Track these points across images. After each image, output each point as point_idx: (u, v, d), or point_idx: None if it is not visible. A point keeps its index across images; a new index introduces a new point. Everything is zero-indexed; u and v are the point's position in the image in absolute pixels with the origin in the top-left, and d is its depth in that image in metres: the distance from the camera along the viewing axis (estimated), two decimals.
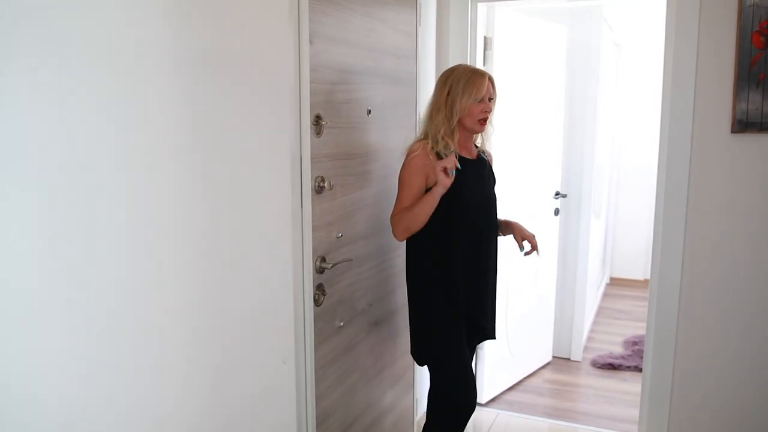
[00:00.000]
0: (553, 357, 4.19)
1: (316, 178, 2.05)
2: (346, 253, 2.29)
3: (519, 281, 3.67)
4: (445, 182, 2.19)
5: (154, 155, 1.22)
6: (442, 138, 2.30)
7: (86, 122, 1.07)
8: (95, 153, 1.09)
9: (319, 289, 2.12)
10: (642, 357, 4.07)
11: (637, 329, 4.74)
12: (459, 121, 2.33)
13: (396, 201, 2.33)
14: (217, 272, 1.43)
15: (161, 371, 1.28)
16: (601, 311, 5.18)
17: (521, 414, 3.48)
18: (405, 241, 2.41)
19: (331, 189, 2.11)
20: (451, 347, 2.39)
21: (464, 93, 2.30)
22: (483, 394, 3.52)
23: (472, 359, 2.54)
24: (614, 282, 6.09)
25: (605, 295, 5.67)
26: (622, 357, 4.18)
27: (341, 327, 2.30)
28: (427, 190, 2.28)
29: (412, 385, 3.03)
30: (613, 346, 4.42)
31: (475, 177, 2.42)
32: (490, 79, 2.37)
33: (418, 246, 2.39)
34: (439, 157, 2.27)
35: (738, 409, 2.85)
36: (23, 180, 0.97)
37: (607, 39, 4.30)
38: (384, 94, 2.54)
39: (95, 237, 1.09)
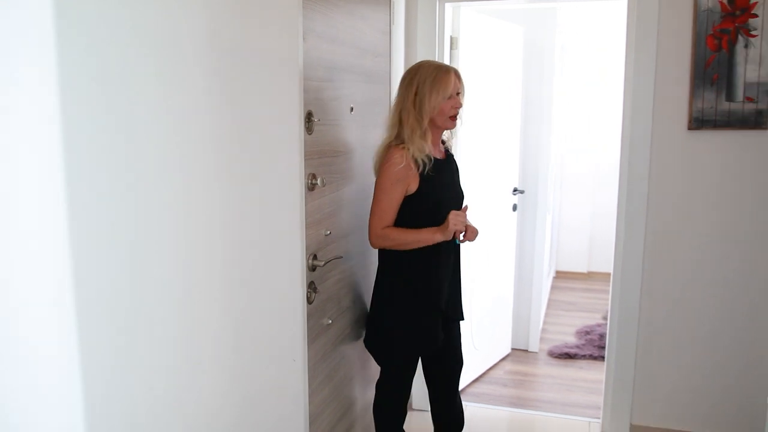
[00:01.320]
0: (512, 349, 4.31)
1: (309, 175, 2.05)
2: (334, 251, 2.30)
3: (483, 278, 3.75)
4: (451, 233, 2.25)
5: (181, 151, 1.20)
6: (418, 140, 2.25)
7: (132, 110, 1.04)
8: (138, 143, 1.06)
9: (311, 286, 2.12)
10: (595, 346, 4.27)
11: (586, 320, 4.93)
12: (430, 120, 2.29)
13: (375, 207, 2.30)
14: (228, 271, 1.41)
15: (187, 369, 1.25)
16: (551, 303, 5.35)
17: (488, 405, 3.56)
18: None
19: (323, 186, 2.12)
20: (411, 354, 2.46)
21: (432, 92, 2.25)
22: None
23: (456, 341, 2.58)
24: (559, 275, 6.30)
25: (553, 287, 5.86)
26: (577, 346, 4.34)
27: (329, 324, 2.30)
28: (408, 196, 2.27)
29: None
30: (567, 337, 4.58)
31: (448, 176, 2.45)
32: (456, 74, 2.33)
33: (394, 251, 2.36)
34: (421, 163, 2.25)
35: (699, 394, 3.03)
36: (65, 176, 0.94)
37: (561, 41, 4.45)
38: (364, 92, 2.56)
39: (106, 234, 1.06)
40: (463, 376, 3.66)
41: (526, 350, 4.33)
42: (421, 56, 3.17)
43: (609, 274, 5.70)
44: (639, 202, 2.97)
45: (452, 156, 2.55)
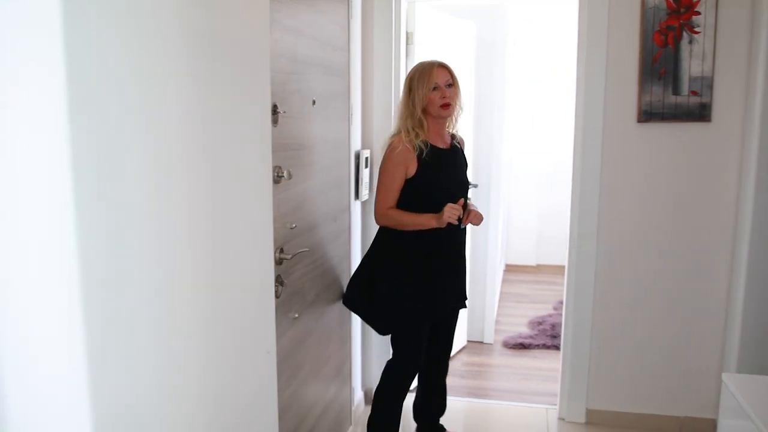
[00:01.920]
0: (468, 341, 4.37)
1: (275, 168, 2.03)
2: (299, 244, 2.28)
3: None
4: (445, 222, 2.47)
5: (159, 144, 1.16)
6: (413, 129, 2.53)
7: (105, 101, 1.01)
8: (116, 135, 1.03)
9: (278, 280, 2.10)
10: (548, 335, 4.37)
11: (538, 310, 5.04)
12: (424, 111, 2.54)
13: (379, 188, 2.59)
14: (200, 265, 1.37)
15: (162, 365, 1.22)
16: (503, 296, 5.45)
17: (448, 397, 3.59)
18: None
19: (290, 178, 2.10)
20: (415, 325, 2.64)
21: (419, 85, 2.53)
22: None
23: (455, 327, 2.91)
24: (509, 268, 6.43)
25: (503, 281, 5.97)
26: (530, 337, 4.44)
27: (296, 319, 2.29)
28: (408, 179, 2.53)
29: (349, 376, 3.06)
30: (520, 327, 4.67)
31: (449, 166, 2.65)
32: (444, 67, 2.58)
33: (396, 232, 2.60)
34: (418, 149, 2.51)
35: (652, 376, 3.15)
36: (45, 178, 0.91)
37: (511, 38, 4.53)
38: (325, 86, 2.55)
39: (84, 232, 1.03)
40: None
41: (482, 342, 4.40)
42: (377, 51, 3.19)
43: (558, 267, 5.92)
44: (592, 194, 3.06)
45: (459, 149, 2.74)
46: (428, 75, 2.52)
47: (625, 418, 3.17)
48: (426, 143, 2.54)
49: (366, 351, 3.41)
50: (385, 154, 2.58)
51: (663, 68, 2.93)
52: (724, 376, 2.03)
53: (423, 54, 3.43)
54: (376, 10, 3.15)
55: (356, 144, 3.10)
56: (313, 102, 2.41)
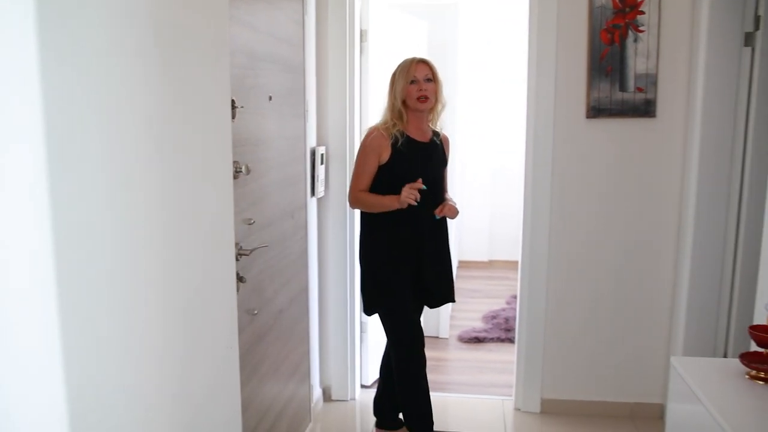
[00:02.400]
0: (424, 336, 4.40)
1: (233, 163, 2.02)
2: (257, 240, 2.27)
3: None
4: (404, 203, 2.56)
5: (116, 137, 1.15)
6: (392, 120, 2.69)
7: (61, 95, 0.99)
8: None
9: (237, 276, 2.08)
10: (502, 329, 4.45)
11: (491, 305, 5.13)
12: (404, 103, 2.68)
13: (354, 172, 2.75)
14: (162, 261, 1.35)
15: (125, 361, 1.21)
16: (457, 291, 5.51)
17: None
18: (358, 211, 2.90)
19: (248, 174, 2.09)
20: (392, 296, 2.76)
21: (399, 78, 2.70)
22: (368, 376, 3.63)
23: (420, 315, 2.95)
24: (462, 265, 6.50)
25: (457, 277, 6.03)
26: (485, 330, 4.51)
27: (255, 315, 2.28)
28: (381, 166, 2.67)
29: (308, 373, 3.05)
30: (474, 322, 4.74)
31: (424, 159, 2.74)
32: (424, 62, 2.73)
33: (372, 218, 2.75)
34: (393, 137, 2.65)
35: (604, 364, 3.25)
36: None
37: (463, 36, 4.59)
38: (281, 82, 2.55)
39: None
40: (379, 362, 3.73)
41: (437, 337, 4.45)
42: (332, 48, 3.19)
43: (510, 262, 6.03)
44: (544, 189, 3.14)
45: (438, 145, 2.83)
46: (406, 68, 2.68)
47: (579, 406, 3.26)
48: (402, 133, 2.67)
49: (324, 349, 3.41)
50: (362, 141, 2.75)
51: (610, 66, 3.02)
52: (672, 359, 2.11)
53: (377, 52, 3.45)
54: (330, 8, 3.15)
55: (312, 141, 3.10)
56: (270, 98, 2.41)
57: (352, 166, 3.28)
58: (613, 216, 3.12)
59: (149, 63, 1.24)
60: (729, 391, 1.87)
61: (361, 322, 3.53)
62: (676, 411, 2.11)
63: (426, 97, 2.67)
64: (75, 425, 1.03)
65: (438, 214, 2.73)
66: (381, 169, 2.69)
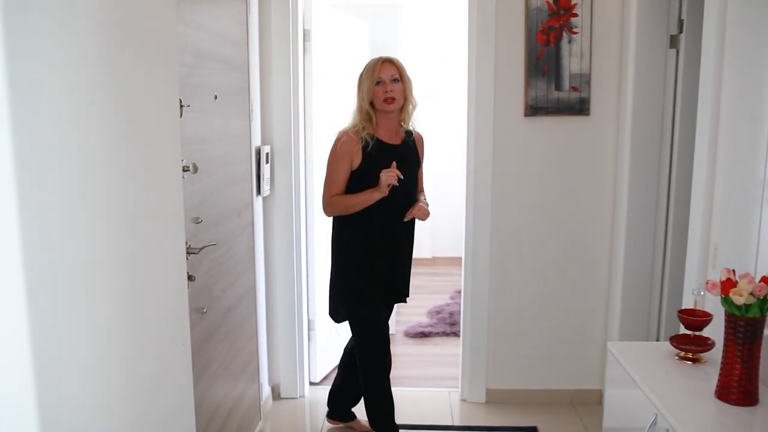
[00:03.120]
0: None
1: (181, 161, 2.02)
2: (205, 239, 2.27)
3: None
4: (384, 187, 2.55)
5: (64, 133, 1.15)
6: (361, 122, 2.65)
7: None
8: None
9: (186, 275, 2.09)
10: (446, 323, 4.55)
11: (436, 300, 5.23)
12: (372, 105, 2.65)
13: (325, 179, 2.70)
14: (114, 259, 1.35)
15: (78, 361, 1.21)
16: None
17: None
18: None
19: (195, 172, 2.09)
20: (366, 306, 2.75)
21: (365, 79, 2.66)
22: (317, 373, 3.65)
23: (389, 316, 2.96)
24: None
25: None
26: (430, 325, 4.60)
27: (204, 313, 2.28)
28: (353, 171, 2.64)
29: (257, 371, 3.06)
30: (420, 317, 4.83)
31: (396, 160, 2.65)
32: (391, 61, 2.69)
33: (343, 220, 2.73)
34: (364, 141, 2.62)
35: (545, 354, 3.37)
36: None
37: (404, 36, 4.66)
38: (226, 81, 2.55)
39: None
40: (327, 361, 3.77)
41: None
42: (275, 47, 3.20)
43: (452, 258, 6.14)
44: (485, 185, 3.23)
45: (411, 145, 2.81)
46: (372, 69, 2.64)
47: (522, 395, 3.38)
48: (372, 136, 2.64)
49: (272, 347, 3.42)
50: (332, 147, 2.69)
51: (546, 66, 3.14)
52: (609, 344, 2.22)
53: (320, 51, 3.48)
54: (273, 7, 3.17)
55: (257, 140, 3.11)
56: (215, 97, 2.41)
57: (298, 165, 3.31)
58: (552, 210, 3.25)
59: (96, 62, 1.24)
60: (660, 371, 1.99)
61: (308, 320, 3.56)
62: (613, 392, 2.22)
63: (393, 99, 2.62)
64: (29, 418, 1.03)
65: (407, 216, 2.72)
66: (353, 174, 2.65)
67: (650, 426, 1.79)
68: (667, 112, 2.99)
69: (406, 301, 2.98)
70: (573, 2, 3.09)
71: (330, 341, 3.80)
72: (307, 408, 3.45)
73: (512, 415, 3.27)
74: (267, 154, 3.18)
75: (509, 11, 3.11)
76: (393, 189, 2.60)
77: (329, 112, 3.56)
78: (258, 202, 3.15)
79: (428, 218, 2.82)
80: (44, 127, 1.06)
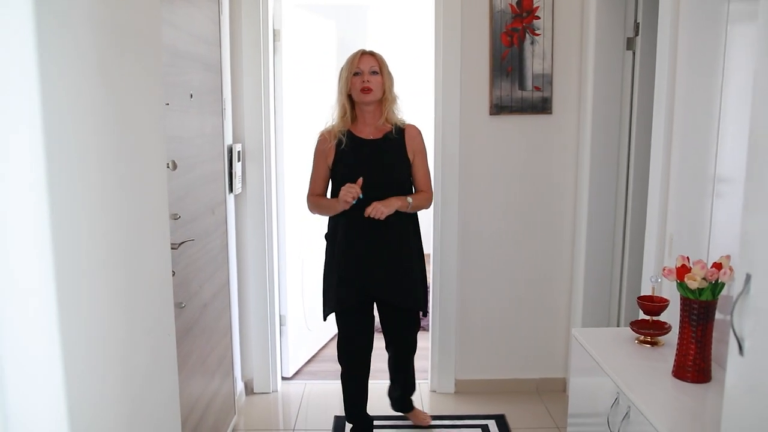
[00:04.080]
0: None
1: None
2: (183, 235, 2.32)
3: (311, 262, 3.93)
4: (341, 202, 2.56)
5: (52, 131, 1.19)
6: (337, 118, 2.69)
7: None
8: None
9: None
10: None
11: None
12: (350, 98, 2.66)
13: (310, 179, 2.78)
14: (103, 255, 1.38)
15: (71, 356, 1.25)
16: None
17: (326, 381, 3.74)
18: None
19: (174, 169, 2.14)
20: (328, 307, 2.82)
21: (343, 71, 2.67)
22: (289, 368, 3.71)
23: (400, 327, 2.93)
24: None
25: None
26: None
27: (183, 308, 2.32)
28: (331, 169, 2.70)
29: (231, 366, 3.10)
30: None
31: (372, 156, 2.66)
32: (371, 54, 2.70)
33: (328, 221, 2.81)
34: (337, 139, 2.66)
35: (511, 345, 3.49)
36: None
37: (371, 37, 4.74)
38: (201, 80, 2.59)
39: None
40: (299, 356, 3.83)
41: None
42: (246, 47, 3.25)
43: None
44: (451, 182, 3.33)
45: (393, 140, 2.70)
46: (351, 61, 2.66)
47: (490, 384, 3.49)
48: (345, 133, 2.67)
49: (245, 342, 3.46)
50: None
51: (510, 66, 3.26)
52: (573, 330, 2.34)
53: (290, 51, 3.54)
54: (243, 7, 3.21)
55: (228, 138, 3.15)
56: (191, 96, 2.45)
57: (269, 163, 3.37)
58: (516, 205, 3.37)
59: (92, 60, 1.29)
60: (621, 354, 2.11)
61: (280, 316, 3.61)
62: (578, 376, 2.34)
63: (369, 89, 2.60)
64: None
65: (365, 214, 2.56)
66: (331, 172, 2.71)
67: (613, 405, 1.91)
68: (625, 111, 3.14)
69: (423, 314, 2.96)
70: (535, 5, 3.21)
71: (301, 337, 3.87)
72: (280, 403, 3.50)
73: (481, 404, 3.38)
74: (239, 152, 3.22)
75: (474, 13, 3.22)
76: (367, 185, 2.57)
77: (299, 111, 3.63)
78: (230, 199, 3.19)
79: (384, 215, 2.57)
80: (50, 125, 1.11)
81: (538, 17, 3.23)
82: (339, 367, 3.93)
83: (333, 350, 4.17)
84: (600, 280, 3.24)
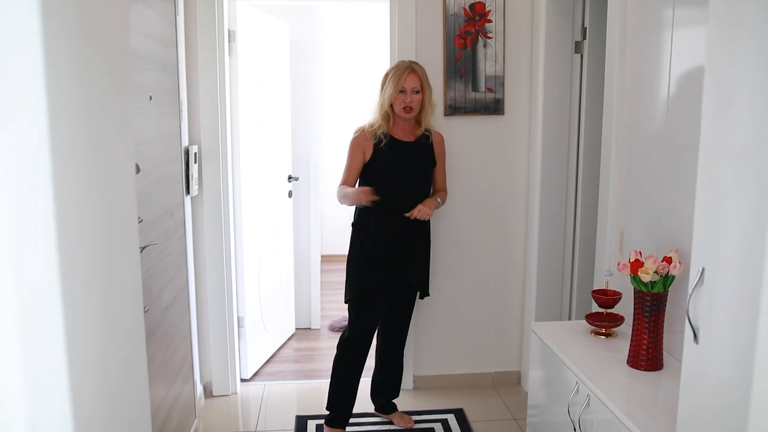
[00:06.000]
0: (297, 328, 4.54)
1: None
2: (145, 238, 2.30)
3: (267, 260, 3.93)
4: (356, 199, 2.81)
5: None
6: (378, 121, 2.87)
7: None
8: None
9: None
10: None
11: None
12: (392, 108, 2.84)
13: (344, 170, 2.94)
14: (72, 260, 1.36)
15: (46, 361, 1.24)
16: (323, 284, 5.67)
17: (284, 381, 3.75)
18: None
19: (138, 172, 2.12)
20: (358, 291, 2.94)
21: (389, 84, 2.84)
22: (247, 369, 3.70)
23: (397, 304, 3.09)
24: (324, 258, 6.66)
25: (321, 270, 6.19)
26: None
27: (146, 312, 2.30)
28: (365, 163, 2.87)
29: (192, 370, 3.08)
30: (343, 312, 4.91)
31: (405, 157, 2.89)
32: (415, 72, 2.83)
33: (356, 213, 2.97)
34: (377, 138, 2.85)
35: (468, 341, 3.57)
36: None
37: (325, 37, 4.75)
38: (159, 81, 2.57)
39: None
40: (257, 358, 3.83)
41: (309, 328, 4.61)
42: (201, 47, 3.22)
43: None
44: None
45: (425, 144, 2.96)
46: (396, 79, 2.81)
47: (447, 380, 3.57)
48: (386, 134, 2.85)
49: (203, 345, 3.44)
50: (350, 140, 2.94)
51: (464, 68, 3.34)
52: (532, 324, 2.43)
53: (245, 52, 3.53)
54: (198, 8, 3.18)
55: (185, 140, 3.12)
56: (150, 98, 2.43)
57: (226, 165, 3.35)
58: (470, 204, 3.45)
59: (63, 58, 1.27)
60: (578, 346, 2.21)
61: (238, 318, 3.60)
62: (537, 369, 2.43)
63: (411, 109, 2.83)
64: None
65: (408, 215, 2.85)
66: (365, 167, 2.88)
67: (573, 394, 2.00)
68: (574, 111, 3.26)
69: (422, 297, 3.15)
70: (487, 9, 3.30)
71: (259, 338, 3.86)
72: (240, 405, 3.49)
73: (439, 399, 3.46)
74: (195, 153, 3.20)
75: (428, 16, 3.29)
76: (392, 186, 2.84)
77: (250, 111, 3.63)
78: (187, 202, 3.17)
79: (429, 216, 2.91)
80: (16, 126, 1.10)
81: (490, 21, 3.31)
82: (298, 366, 3.97)
83: (290, 351, 4.20)
84: (552, 274, 3.36)
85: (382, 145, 2.86)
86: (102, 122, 1.50)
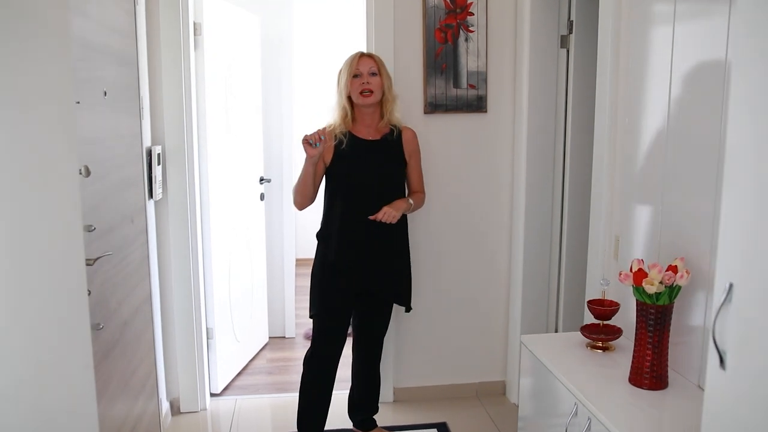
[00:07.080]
0: (270, 337, 4.34)
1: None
2: (99, 248, 2.08)
3: (238, 266, 3.72)
4: (308, 153, 2.50)
5: None
6: (337, 119, 2.67)
7: None
8: None
9: None
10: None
11: None
12: (350, 100, 2.65)
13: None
14: (13, 276, 1.19)
15: None
16: (297, 290, 5.47)
17: (257, 395, 3.55)
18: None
19: (87, 176, 1.91)
20: (320, 307, 2.71)
21: (343, 73, 2.66)
22: (218, 383, 3.49)
23: (369, 317, 2.88)
24: (299, 262, 6.45)
25: (295, 275, 5.98)
26: None
27: (101, 329, 2.09)
28: (327, 168, 2.66)
29: (156, 387, 2.86)
30: None
31: (369, 158, 2.67)
32: (369, 56, 2.70)
33: (323, 216, 2.75)
34: (337, 139, 2.63)
35: (448, 352, 3.40)
36: None
37: (297, 31, 4.55)
38: (115, 76, 2.35)
39: None
40: (228, 371, 3.62)
41: (284, 336, 4.41)
42: (164, 40, 3.01)
43: None
44: None
45: (392, 141, 2.73)
46: (350, 62, 2.64)
47: (429, 391, 3.40)
48: (346, 134, 2.65)
49: (169, 359, 3.22)
50: None
51: (444, 63, 3.17)
52: (523, 337, 2.27)
53: (212, 46, 3.31)
54: None
55: (147, 140, 2.90)
56: (105, 93, 2.21)
57: (192, 167, 3.14)
58: (452, 206, 3.28)
59: None
60: (574, 361, 2.05)
61: (207, 329, 3.39)
62: (528, 383, 2.26)
63: (370, 91, 2.61)
64: None
65: (374, 218, 2.59)
66: (327, 171, 2.67)
67: (572, 416, 1.83)
68: (560, 109, 3.11)
69: (407, 311, 2.94)
70: (469, 1, 3.13)
71: (230, 349, 3.65)
72: (210, 421, 3.28)
73: (421, 412, 3.28)
74: (158, 154, 2.98)
75: (407, 8, 3.11)
76: (355, 188, 2.63)
77: (218, 109, 3.42)
78: (150, 206, 2.95)
79: (395, 220, 2.62)
80: None
81: (472, 13, 3.15)
82: (272, 379, 3.76)
83: (263, 362, 3.99)
84: (538, 280, 3.20)
85: (343, 146, 2.64)
86: (36, 119, 1.29)
